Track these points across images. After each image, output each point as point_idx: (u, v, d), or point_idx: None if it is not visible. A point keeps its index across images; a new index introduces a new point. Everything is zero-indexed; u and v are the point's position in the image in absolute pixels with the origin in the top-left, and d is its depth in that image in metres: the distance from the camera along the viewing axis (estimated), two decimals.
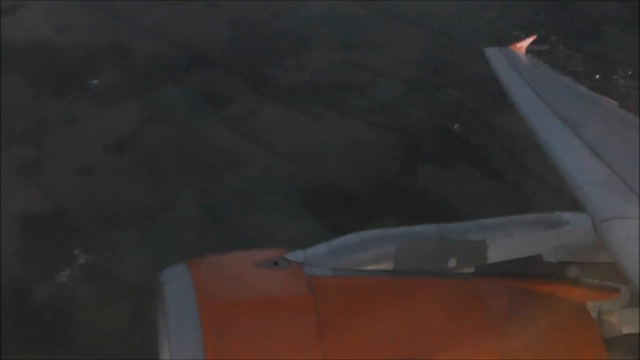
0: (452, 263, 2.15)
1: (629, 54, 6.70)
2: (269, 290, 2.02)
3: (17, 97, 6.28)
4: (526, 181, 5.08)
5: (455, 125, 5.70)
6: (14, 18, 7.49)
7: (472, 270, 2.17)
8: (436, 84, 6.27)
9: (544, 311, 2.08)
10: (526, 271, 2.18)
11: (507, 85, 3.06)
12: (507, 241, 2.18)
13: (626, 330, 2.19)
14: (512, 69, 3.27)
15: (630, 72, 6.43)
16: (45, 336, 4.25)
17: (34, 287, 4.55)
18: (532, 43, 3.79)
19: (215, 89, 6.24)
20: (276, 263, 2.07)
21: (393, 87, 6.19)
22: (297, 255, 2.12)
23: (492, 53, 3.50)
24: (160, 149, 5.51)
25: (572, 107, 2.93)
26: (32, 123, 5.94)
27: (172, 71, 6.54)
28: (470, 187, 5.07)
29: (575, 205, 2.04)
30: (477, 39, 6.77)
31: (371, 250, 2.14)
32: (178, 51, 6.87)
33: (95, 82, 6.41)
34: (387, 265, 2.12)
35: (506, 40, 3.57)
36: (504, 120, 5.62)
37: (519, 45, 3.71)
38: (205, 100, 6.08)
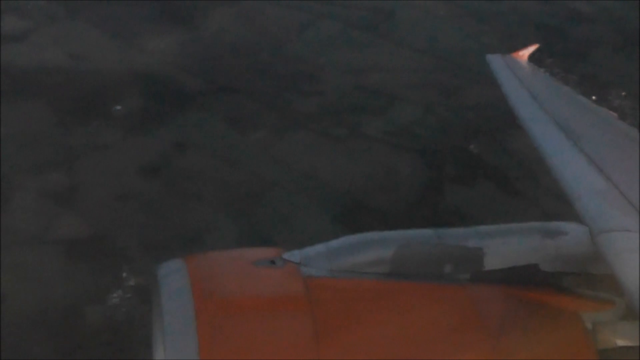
0: (448, 268, 2.17)
1: (621, 75, 7.21)
2: (265, 289, 2.02)
3: (40, 124, 6.39)
4: (543, 196, 5.45)
5: (472, 146, 6.07)
6: (25, 44, 7.60)
7: (468, 276, 2.18)
8: (448, 107, 6.64)
9: (538, 320, 2.08)
10: (522, 280, 2.19)
11: (508, 93, 3.08)
12: (504, 249, 2.20)
13: (621, 343, 2.17)
14: (514, 76, 3.29)
15: (623, 93, 6.90)
16: (106, 357, 4.39)
17: (86, 310, 4.67)
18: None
19: (239, 114, 6.47)
20: (273, 262, 2.08)
21: (408, 110, 6.54)
22: (294, 255, 2.13)
23: (494, 60, 3.52)
24: (194, 173, 5.71)
25: (572, 117, 2.96)
26: (60, 150, 6.05)
27: (193, 96, 6.75)
28: (493, 204, 5.43)
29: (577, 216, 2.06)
30: (477, 63, 7.16)
31: (369, 252, 2.16)
32: (194, 77, 7.08)
33: (118, 108, 6.57)
34: (384, 268, 2.14)
35: None
36: (516, 140, 6.01)
37: (521, 53, 3.73)
38: (231, 125, 6.31)
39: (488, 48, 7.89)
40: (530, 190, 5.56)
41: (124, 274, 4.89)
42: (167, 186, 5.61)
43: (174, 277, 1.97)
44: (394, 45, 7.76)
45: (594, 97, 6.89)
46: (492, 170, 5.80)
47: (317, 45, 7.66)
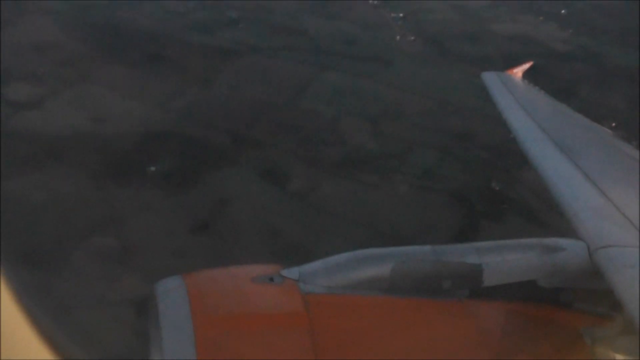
0: (447, 284, 2.18)
1: (608, 107, 7.92)
2: (264, 306, 2.04)
3: (78, 189, 6.57)
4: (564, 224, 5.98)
5: (493, 183, 6.60)
6: (43, 111, 7.77)
7: (467, 292, 2.20)
8: (463, 148, 7.18)
9: (537, 336, 2.12)
10: (521, 296, 2.23)
11: (504, 110, 3.20)
12: (502, 266, 2.21)
13: (619, 357, 2.18)
14: (509, 94, 3.41)
15: (614, 124, 7.58)
16: None
17: None
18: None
19: (269, 166, 6.84)
20: (272, 279, 2.10)
21: (428, 154, 7.06)
22: (292, 272, 2.14)
23: (489, 78, 3.66)
24: (242, 226, 6.01)
25: (568, 134, 3.03)
26: (105, 213, 6.26)
27: (222, 152, 7.08)
28: (523, 235, 5.91)
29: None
30: (478, 104, 7.78)
31: (367, 269, 2.16)
32: (219, 133, 7.43)
33: (153, 168, 6.82)
34: (383, 284, 2.15)
35: None
36: (530, 174, 6.56)
37: (515, 70, 3.93)
38: (265, 178, 6.67)
39: (482, 89, 8.53)
40: (550, 218, 6.07)
41: None
42: (220, 240, 5.89)
43: (172, 294, 1.96)
44: (399, 92, 8.31)
45: None
46: (516, 204, 6.33)
47: (328, 95, 8.14)
